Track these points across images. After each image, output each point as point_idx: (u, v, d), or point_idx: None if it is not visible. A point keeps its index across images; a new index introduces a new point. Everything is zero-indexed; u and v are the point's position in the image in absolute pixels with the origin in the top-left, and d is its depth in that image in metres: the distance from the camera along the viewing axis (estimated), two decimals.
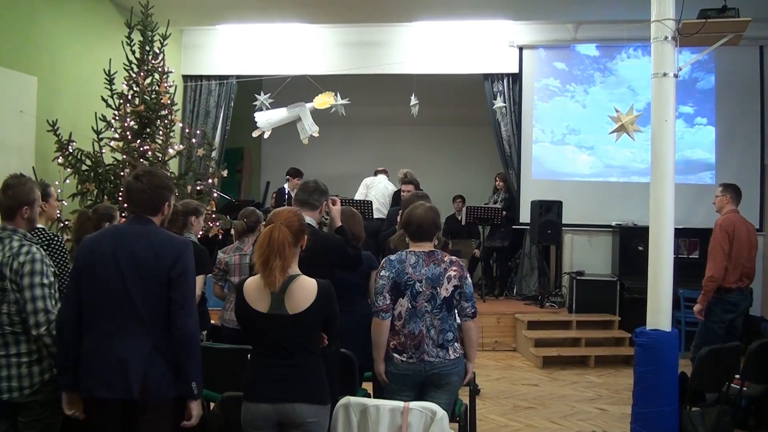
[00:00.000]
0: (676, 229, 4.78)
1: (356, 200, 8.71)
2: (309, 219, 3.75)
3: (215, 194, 8.40)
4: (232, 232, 7.85)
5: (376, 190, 9.18)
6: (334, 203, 3.92)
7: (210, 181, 8.23)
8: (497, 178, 9.89)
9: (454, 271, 3.51)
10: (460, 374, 3.56)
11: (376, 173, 9.55)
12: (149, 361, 2.81)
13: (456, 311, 3.57)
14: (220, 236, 8.23)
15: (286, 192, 9.61)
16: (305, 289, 2.93)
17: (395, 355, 3.52)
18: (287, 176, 9.83)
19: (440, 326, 3.48)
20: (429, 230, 3.60)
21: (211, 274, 5.10)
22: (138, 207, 2.99)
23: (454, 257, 3.59)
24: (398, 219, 4.41)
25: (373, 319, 3.53)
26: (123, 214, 6.95)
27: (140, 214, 2.98)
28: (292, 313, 2.90)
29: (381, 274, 3.55)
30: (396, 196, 8.83)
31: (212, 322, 5.18)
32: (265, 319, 2.91)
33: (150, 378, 2.81)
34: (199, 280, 4.63)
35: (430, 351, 3.47)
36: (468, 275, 3.58)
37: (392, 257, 3.58)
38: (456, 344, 3.54)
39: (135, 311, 2.83)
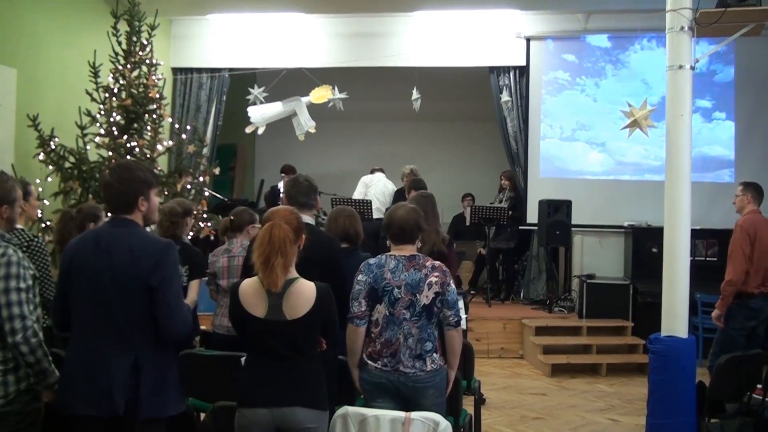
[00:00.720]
0: (692, 229, 4.75)
1: (355, 200, 8.68)
2: (308, 219, 3.76)
3: (207, 193, 8.37)
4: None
5: (376, 189, 9.15)
6: None
7: (201, 179, 8.21)
8: (502, 177, 9.86)
9: (436, 277, 3.48)
10: (438, 386, 3.52)
11: (372, 171, 9.52)
12: (134, 376, 2.78)
13: (438, 319, 3.53)
14: (212, 237, 8.20)
15: (281, 190, 9.59)
16: (304, 294, 2.93)
17: (369, 362, 3.52)
18: (282, 173, 9.80)
19: (419, 335, 3.45)
20: (411, 232, 3.58)
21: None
22: (109, 203, 2.99)
23: (436, 262, 3.57)
24: None
25: (348, 325, 3.52)
26: (108, 214, 6.97)
27: (119, 213, 2.96)
28: (290, 318, 2.90)
29: (358, 278, 3.54)
30: (397, 195, 8.80)
31: (202, 327, 5.15)
32: (262, 325, 2.91)
33: (137, 394, 2.78)
34: (195, 284, 4.61)
35: (406, 361, 3.45)
36: (451, 281, 3.55)
37: (371, 261, 3.58)
38: (435, 355, 3.51)
39: (116, 323, 2.81)
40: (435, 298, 3.46)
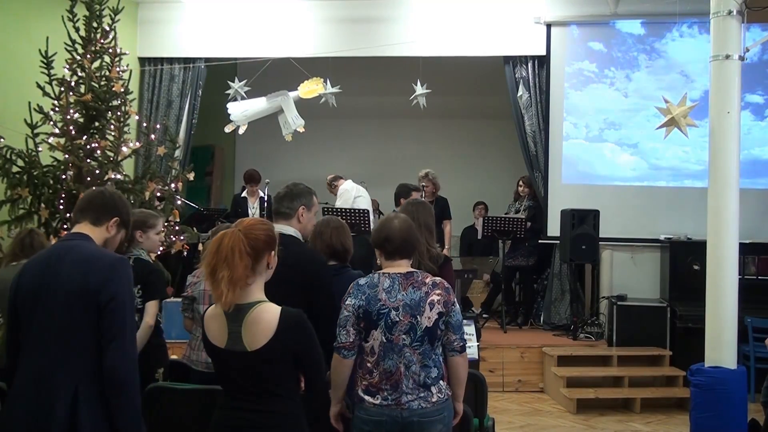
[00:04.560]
0: (741, 244, 4.73)
1: (351, 210, 8.64)
2: (289, 230, 3.75)
3: (179, 201, 8.34)
4: (200, 249, 7.83)
5: (365, 199, 9.13)
6: None
7: (173, 186, 8.18)
8: (521, 183, 9.84)
9: (438, 295, 3.44)
10: (446, 421, 3.49)
11: (337, 179, 9.48)
12: (77, 408, 2.78)
13: (440, 345, 3.50)
14: (185, 253, 8.17)
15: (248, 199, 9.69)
16: (263, 321, 2.84)
17: (366, 397, 3.46)
18: (245, 182, 9.87)
19: (422, 362, 3.42)
20: (411, 245, 3.58)
21: (172, 300, 5.04)
22: (83, 206, 3.04)
23: (437, 278, 3.54)
24: None
25: (334, 354, 3.48)
26: (65, 226, 6.94)
27: (80, 223, 3.01)
28: (250, 349, 2.83)
29: (346, 302, 3.48)
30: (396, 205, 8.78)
31: (174, 357, 5.11)
32: (222, 356, 2.88)
33: (79, 428, 2.77)
34: (152, 306, 4.59)
35: (410, 392, 3.41)
36: (455, 301, 3.52)
37: (361, 281, 3.53)
38: (441, 383, 3.48)
39: (61, 347, 2.82)
40: (438, 319, 3.42)
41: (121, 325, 2.85)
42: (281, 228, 3.61)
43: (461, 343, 3.50)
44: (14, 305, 2.96)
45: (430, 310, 3.41)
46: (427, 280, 3.49)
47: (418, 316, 3.41)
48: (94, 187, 3.19)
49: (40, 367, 2.82)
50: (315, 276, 3.70)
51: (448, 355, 3.52)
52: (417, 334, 3.41)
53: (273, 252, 2.96)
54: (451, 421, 3.55)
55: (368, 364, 3.46)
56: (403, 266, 3.55)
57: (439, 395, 3.44)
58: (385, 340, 3.42)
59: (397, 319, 3.41)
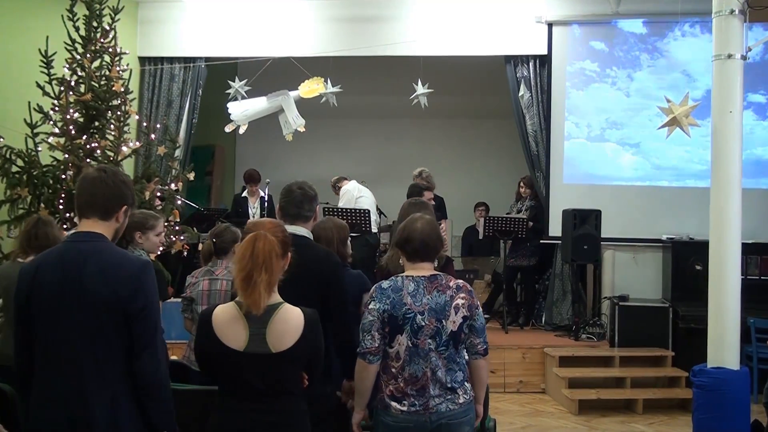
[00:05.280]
0: (743, 244, 4.73)
1: (352, 210, 8.65)
2: (302, 231, 3.78)
3: (179, 201, 8.34)
4: (200, 249, 7.83)
5: (368, 199, 9.13)
6: None
7: (173, 185, 8.18)
8: (521, 183, 9.84)
9: (462, 299, 3.46)
10: (471, 422, 3.53)
11: (341, 181, 9.48)
12: (114, 415, 2.78)
13: (463, 348, 3.52)
14: (185, 253, 8.17)
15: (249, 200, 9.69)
16: (291, 321, 2.90)
17: (393, 403, 3.45)
18: (245, 182, 9.88)
19: (447, 366, 3.44)
20: (434, 248, 3.56)
21: (171, 300, 5.04)
22: (89, 204, 2.94)
23: (460, 281, 3.54)
24: None
25: (358, 360, 3.48)
26: (65, 226, 6.94)
27: (88, 219, 2.93)
28: (275, 350, 2.86)
29: (370, 307, 3.48)
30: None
31: (173, 357, 5.11)
32: (241, 359, 2.87)
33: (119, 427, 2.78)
34: None
35: (437, 396, 3.42)
36: (478, 304, 3.55)
37: (384, 285, 3.52)
38: (467, 384, 3.51)
39: (90, 355, 2.79)
40: (463, 323, 3.43)
41: (153, 332, 2.86)
42: (294, 229, 3.64)
43: (484, 346, 3.53)
44: (27, 303, 2.85)
45: (455, 314, 3.43)
46: (452, 284, 3.49)
47: (443, 320, 3.41)
48: (90, 170, 3.04)
49: (69, 377, 2.78)
50: (331, 275, 3.72)
51: (471, 358, 3.54)
52: (442, 338, 3.42)
53: (289, 253, 3.03)
54: (473, 422, 3.57)
55: (393, 369, 3.46)
56: (426, 269, 3.54)
57: (465, 396, 3.48)
58: (411, 345, 3.42)
59: (423, 324, 3.41)
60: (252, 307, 2.83)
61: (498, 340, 8.44)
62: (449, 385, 3.43)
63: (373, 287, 3.56)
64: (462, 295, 3.46)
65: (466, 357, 3.57)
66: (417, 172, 8.13)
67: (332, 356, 3.66)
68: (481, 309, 3.56)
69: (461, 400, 3.45)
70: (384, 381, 3.50)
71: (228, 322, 2.90)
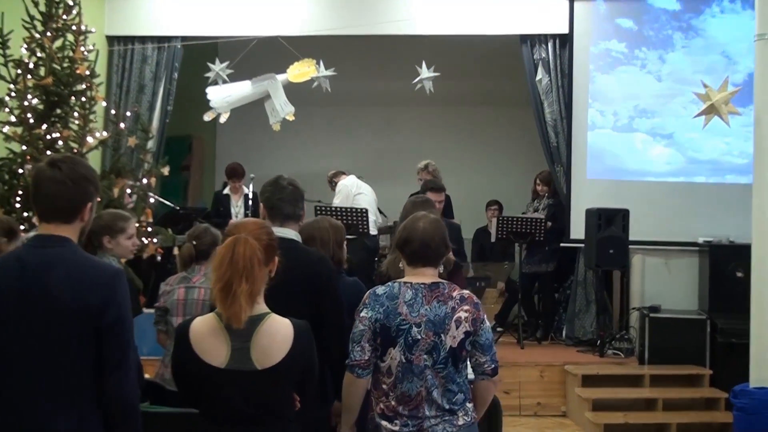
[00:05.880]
0: None
1: (349, 209, 8.64)
2: (292, 234, 3.77)
3: (152, 199, 8.34)
4: (176, 253, 7.81)
5: (368, 197, 9.12)
6: None
7: (145, 181, 8.18)
8: (537, 180, 9.82)
9: (466, 311, 3.44)
10: None
11: (337, 175, 9.48)
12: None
13: (467, 365, 3.52)
14: (159, 257, 8.16)
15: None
16: (278, 333, 2.88)
17: (383, 423, 3.47)
18: (227, 177, 9.89)
19: (444, 385, 3.43)
20: (436, 251, 3.55)
21: (148, 311, 5.04)
22: (48, 208, 2.91)
23: (465, 292, 3.54)
24: None
25: (346, 373, 3.50)
26: (23, 227, 6.93)
27: (50, 224, 2.91)
28: (261, 367, 2.84)
29: (361, 314, 3.49)
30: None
31: (147, 376, 5.10)
32: (222, 377, 2.85)
33: None
34: None
35: (433, 417, 3.42)
36: (485, 318, 3.53)
37: (379, 291, 3.53)
38: (468, 405, 3.51)
39: (55, 373, 2.78)
40: (464, 339, 3.42)
41: (125, 349, 2.86)
42: (284, 232, 3.65)
43: (492, 365, 3.52)
44: None
45: (456, 328, 3.41)
46: (455, 294, 3.48)
47: (441, 335, 3.40)
48: (41, 165, 2.96)
49: (30, 397, 2.78)
50: (326, 282, 3.73)
51: (478, 378, 3.54)
52: (440, 354, 3.41)
53: (276, 257, 3.01)
54: None
55: (383, 386, 3.47)
56: (427, 275, 3.53)
57: (466, 418, 3.48)
58: (404, 360, 3.42)
59: (419, 337, 3.40)
60: (232, 320, 2.81)
61: (513, 357, 8.44)
62: (447, 407, 3.42)
63: (368, 292, 3.57)
64: (466, 307, 3.45)
65: (470, 376, 3.55)
66: (423, 165, 8.12)
67: (327, 376, 3.66)
68: (488, 324, 3.54)
69: (461, 422, 3.44)
70: (375, 397, 3.51)
71: (207, 336, 2.88)
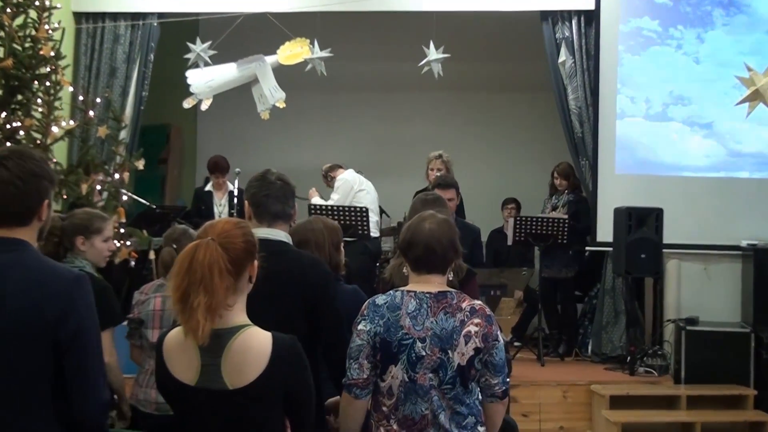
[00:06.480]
0: None
1: (345, 208, 8.64)
2: (281, 235, 3.75)
3: (125, 197, 8.34)
4: (152, 257, 7.81)
5: (370, 195, 9.12)
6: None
7: (117, 176, 8.18)
8: (555, 174, 9.78)
9: (477, 325, 3.44)
10: None
11: (333, 170, 9.49)
12: None
13: (476, 385, 3.51)
14: (133, 262, 8.16)
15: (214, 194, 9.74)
16: (251, 350, 2.84)
17: None
18: (210, 172, 9.93)
19: (452, 408, 3.44)
20: (443, 256, 3.55)
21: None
22: (2, 213, 2.91)
23: (477, 303, 3.53)
24: None
25: (343, 393, 3.51)
26: None
27: (3, 228, 2.92)
28: (232, 387, 2.82)
29: (359, 327, 3.49)
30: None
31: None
32: (192, 396, 2.85)
33: None
34: (106, 337, 4.56)
35: None
36: (498, 334, 3.51)
37: (380, 300, 3.52)
38: (480, 429, 3.51)
39: (10, 392, 2.79)
40: (474, 356, 3.41)
41: (90, 363, 2.87)
42: (272, 233, 3.64)
43: (503, 388, 3.52)
44: None
45: (465, 344, 3.41)
46: (464, 305, 3.47)
47: (449, 351, 3.40)
48: None
49: None
50: (321, 289, 3.69)
51: (486, 400, 3.53)
52: (447, 373, 3.41)
53: (255, 261, 2.96)
54: None
55: (384, 408, 3.48)
56: (434, 283, 3.53)
57: None
58: (406, 380, 3.42)
59: (423, 353, 3.40)
60: (192, 335, 2.77)
61: (532, 375, 8.46)
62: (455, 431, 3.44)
63: (366, 302, 3.56)
64: (476, 320, 3.44)
65: (480, 396, 3.56)
66: (436, 155, 8.10)
67: (325, 398, 3.67)
68: (502, 341, 3.52)
69: None
70: (375, 421, 3.52)
71: (178, 350, 2.88)
